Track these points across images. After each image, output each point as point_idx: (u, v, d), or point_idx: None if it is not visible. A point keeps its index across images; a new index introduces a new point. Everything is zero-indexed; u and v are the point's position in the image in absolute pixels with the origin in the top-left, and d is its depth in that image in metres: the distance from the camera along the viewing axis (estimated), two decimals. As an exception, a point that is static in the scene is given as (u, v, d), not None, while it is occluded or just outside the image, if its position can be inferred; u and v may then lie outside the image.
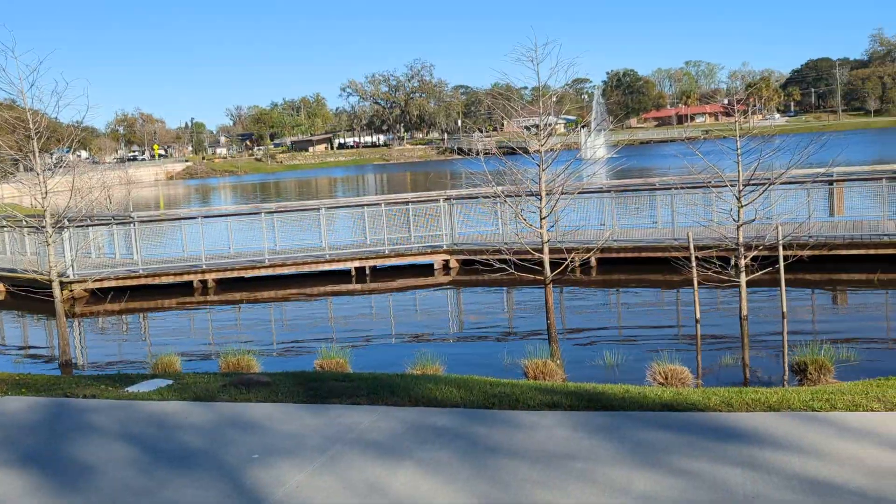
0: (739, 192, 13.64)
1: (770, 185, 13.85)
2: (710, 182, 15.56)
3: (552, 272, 12.14)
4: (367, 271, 21.92)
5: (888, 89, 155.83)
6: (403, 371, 10.95)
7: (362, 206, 23.80)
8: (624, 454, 5.96)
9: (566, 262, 12.15)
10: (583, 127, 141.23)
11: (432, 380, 8.35)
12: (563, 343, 13.97)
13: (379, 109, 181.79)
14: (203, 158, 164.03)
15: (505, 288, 19.04)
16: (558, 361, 11.05)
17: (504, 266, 11.89)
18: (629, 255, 20.05)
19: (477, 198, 20.36)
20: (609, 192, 21.46)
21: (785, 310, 13.88)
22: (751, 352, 12.58)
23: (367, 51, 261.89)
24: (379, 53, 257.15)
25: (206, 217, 24.32)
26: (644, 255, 19.76)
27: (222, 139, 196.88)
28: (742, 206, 13.63)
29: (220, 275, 21.61)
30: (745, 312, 13.64)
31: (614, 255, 20.23)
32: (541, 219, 11.30)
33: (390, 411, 7.30)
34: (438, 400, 7.49)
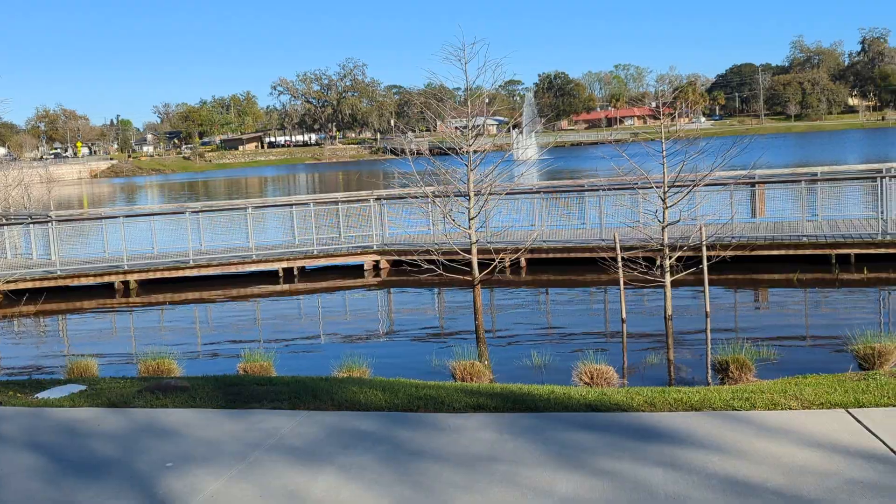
0: (664, 193, 13.84)
1: (694, 186, 14.08)
2: (636, 184, 15.75)
3: (481, 273, 12.12)
4: (296, 272, 21.60)
5: (807, 95, 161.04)
6: (329, 374, 10.78)
7: (290, 205, 23.46)
8: (548, 456, 5.92)
9: (494, 263, 12.14)
10: (514, 128, 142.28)
11: (357, 383, 8.20)
12: (493, 343, 13.96)
13: (311, 108, 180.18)
14: (129, 157, 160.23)
15: (436, 288, 18.96)
16: (486, 362, 11.01)
17: (432, 267, 11.80)
18: (558, 255, 20.20)
19: (406, 198, 20.22)
20: (539, 193, 21.57)
21: (708, 309, 14.12)
22: (676, 351, 12.77)
23: (299, 49, 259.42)
24: (311, 52, 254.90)
25: (128, 216, 23.68)
26: (573, 255, 19.92)
27: (149, 137, 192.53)
28: (667, 208, 13.84)
29: (143, 276, 21.03)
30: (669, 312, 13.84)
31: (543, 255, 20.36)
32: (469, 220, 11.24)
33: (313, 416, 7.13)
34: (362, 403, 7.35)
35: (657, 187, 14.08)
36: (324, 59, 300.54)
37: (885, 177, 18.13)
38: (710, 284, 17.40)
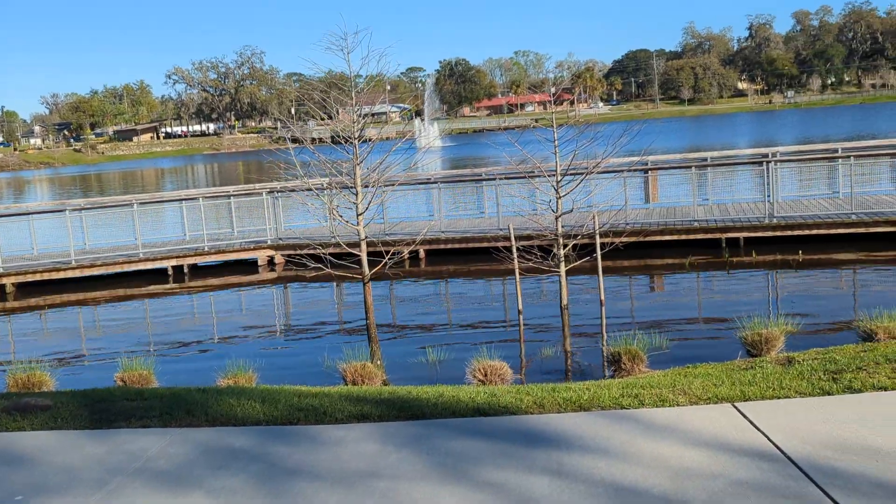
0: (557, 182, 13.76)
1: (586, 175, 14.05)
2: (531, 173, 15.67)
3: (377, 265, 11.75)
4: (186, 270, 20.76)
5: (699, 79, 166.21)
6: (213, 381, 10.26)
7: (180, 200, 22.54)
8: (431, 468, 5.64)
9: (388, 257, 11.80)
10: (416, 115, 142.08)
11: (236, 393, 7.74)
12: (389, 340, 13.65)
13: (208, 97, 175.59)
14: (15, 150, 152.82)
15: (334, 284, 18.50)
16: (378, 363, 10.69)
17: (320, 266, 11.38)
18: (457, 246, 20.02)
19: (299, 191, 19.64)
20: (436, 183, 21.32)
21: (603, 298, 14.15)
22: (573, 340, 12.73)
23: (195, 36, 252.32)
24: (207, 39, 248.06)
25: (3, 216, 22.28)
26: (471, 245, 19.77)
27: (37, 129, 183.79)
28: (560, 198, 13.77)
29: (21, 278, 19.84)
30: (565, 302, 13.80)
31: (442, 246, 20.15)
32: (357, 215, 10.84)
33: (185, 434, 6.66)
34: (239, 417, 6.91)
35: (550, 176, 14.00)
36: (220, 47, 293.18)
37: (770, 161, 18.59)
38: (605, 272, 17.52)
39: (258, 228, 21.66)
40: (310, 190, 11.59)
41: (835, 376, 7.05)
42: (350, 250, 11.07)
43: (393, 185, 13.09)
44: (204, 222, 21.20)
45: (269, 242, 21.08)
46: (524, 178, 17.01)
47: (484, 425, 6.46)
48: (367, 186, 10.83)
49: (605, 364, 10.25)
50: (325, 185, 11.65)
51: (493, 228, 19.74)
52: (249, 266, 20.95)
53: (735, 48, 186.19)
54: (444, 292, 17.85)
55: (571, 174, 14.35)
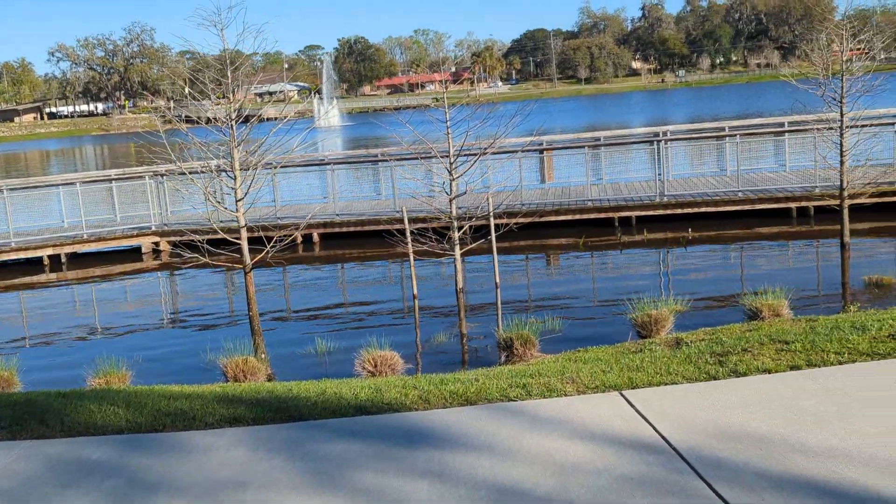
0: (451, 165, 13.45)
1: (479, 156, 13.79)
2: (425, 154, 15.33)
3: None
4: (64, 259, 19.62)
5: (595, 59, 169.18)
6: (84, 382, 9.59)
7: (56, 185, 21.28)
8: (305, 475, 5.26)
9: (271, 244, 11.23)
10: (315, 94, 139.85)
11: (99, 398, 7.15)
12: (277, 330, 13.16)
13: (95, 76, 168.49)
14: None
15: (223, 271, 17.77)
16: (263, 356, 10.21)
17: (196, 256, 10.76)
18: (352, 229, 19.55)
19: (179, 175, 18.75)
20: (330, 164, 20.76)
21: (498, 280, 13.98)
22: (468, 323, 12.48)
23: (79, 11, 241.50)
24: (93, 14, 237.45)
25: None
26: (367, 228, 19.33)
27: None
28: (454, 179, 13.47)
29: None
30: (461, 285, 13.54)
31: (337, 229, 19.65)
32: (237, 200, 10.27)
33: (36, 446, 6.07)
34: (99, 426, 6.36)
35: (443, 158, 13.69)
36: (108, 23, 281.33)
37: (661, 140, 18.79)
38: (502, 253, 17.39)
39: (142, 214, 20.64)
40: (183, 174, 10.92)
41: (721, 359, 6.99)
42: (228, 237, 10.48)
43: (275, 167, 12.52)
44: (82, 208, 20.07)
45: (153, 228, 20.12)
46: (417, 159, 16.66)
47: (366, 425, 6.11)
48: (247, 169, 10.26)
49: (498, 350, 10.04)
50: (200, 170, 11.01)
51: (389, 211, 19.35)
52: (133, 254, 19.97)
53: (629, 28, 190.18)
54: (338, 277, 17.39)
55: (465, 155, 14.09)
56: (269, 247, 10.18)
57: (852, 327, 7.57)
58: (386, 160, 20.21)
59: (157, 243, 20.09)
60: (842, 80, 13.72)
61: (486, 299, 13.94)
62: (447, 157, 13.57)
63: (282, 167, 20.41)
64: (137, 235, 20.08)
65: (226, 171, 10.27)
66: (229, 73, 10.03)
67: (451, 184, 13.48)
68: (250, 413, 6.45)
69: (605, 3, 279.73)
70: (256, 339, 10.24)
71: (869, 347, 6.82)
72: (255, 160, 10.15)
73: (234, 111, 9.86)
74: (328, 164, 20.96)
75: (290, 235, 10.78)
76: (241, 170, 10.06)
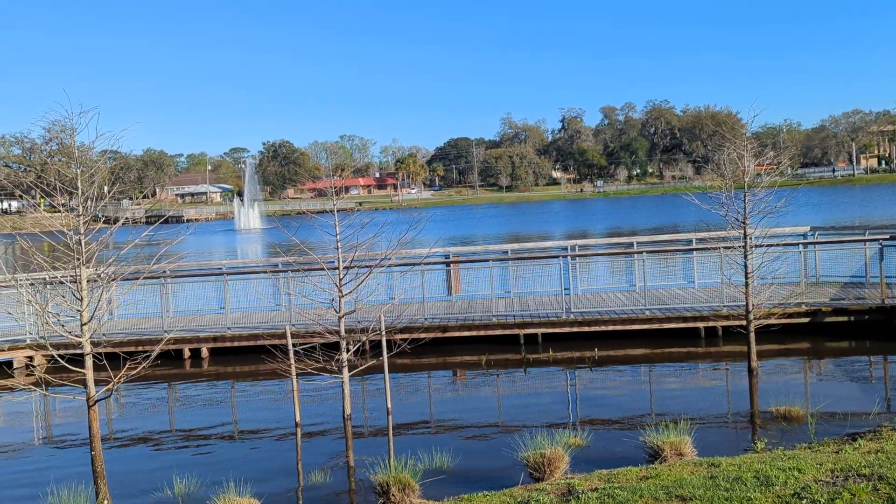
0: (339, 280, 12.55)
1: (371, 272, 12.95)
2: (315, 265, 14.43)
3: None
4: (-78, 374, 17.77)
5: (517, 167, 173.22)
6: None
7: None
8: None
9: (124, 370, 10.00)
10: (238, 196, 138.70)
11: None
12: (138, 459, 11.82)
13: (10, 173, 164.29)
14: None
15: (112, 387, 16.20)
16: (106, 503, 8.87)
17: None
18: (244, 343, 18.32)
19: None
20: (222, 274, 19.63)
21: (390, 406, 12.90)
22: (356, 459, 11.32)
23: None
24: (13, 111, 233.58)
25: None
26: (258, 343, 18.09)
27: None
28: (343, 296, 12.54)
29: None
30: (348, 412, 12.44)
31: (228, 343, 18.40)
32: (82, 324, 9.08)
33: None
34: None
35: (331, 271, 12.80)
36: (25, 122, 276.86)
37: (567, 256, 18.32)
38: (403, 371, 16.44)
39: (16, 325, 18.98)
40: (17, 284, 9.71)
41: (610, 522, 6.09)
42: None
43: (135, 280, 11.41)
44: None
45: (27, 341, 18.49)
46: (307, 270, 15.76)
47: None
48: (92, 281, 9.11)
49: (375, 495, 8.93)
50: (42, 282, 9.83)
51: (284, 324, 18.22)
52: (3, 370, 18.24)
53: (549, 139, 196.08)
54: (223, 397, 16.02)
55: (361, 267, 13.24)
56: (115, 379, 8.95)
57: (756, 480, 6.79)
58: (284, 270, 19.20)
59: (31, 357, 18.44)
60: (744, 200, 13.47)
61: (382, 422, 12.86)
62: (336, 269, 12.68)
63: (172, 277, 19.30)
64: (9, 349, 18.40)
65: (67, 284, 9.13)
66: (80, 178, 9.01)
67: (339, 300, 12.54)
68: None
69: (525, 115, 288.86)
70: (99, 482, 8.89)
71: (772, 510, 6.03)
72: (104, 275, 9.03)
73: (86, 214, 8.82)
74: (223, 273, 19.83)
75: (148, 354, 9.58)
76: (91, 285, 8.94)
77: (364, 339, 13.07)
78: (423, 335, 17.06)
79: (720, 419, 11.99)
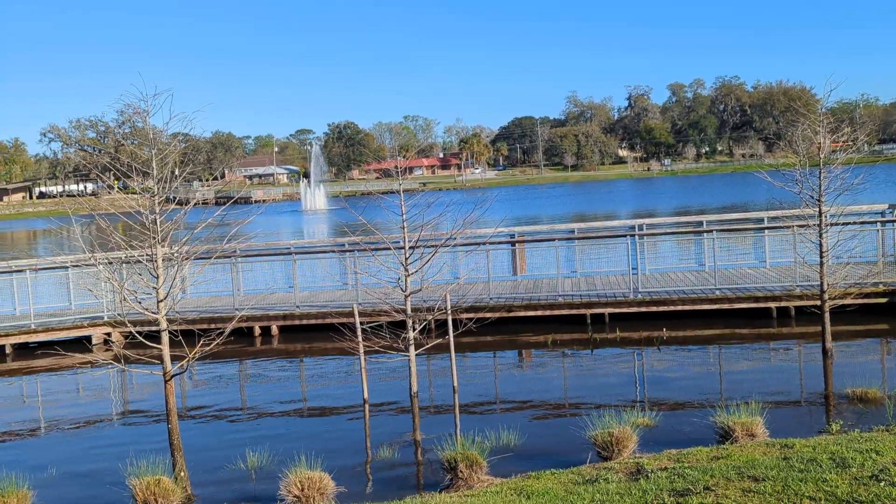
0: (406, 259, 12.65)
1: (437, 250, 13.02)
2: (381, 245, 14.59)
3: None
4: (8, 350, 18.57)
5: (582, 146, 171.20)
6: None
7: (10, 272, 20.35)
8: None
9: (198, 345, 10.28)
10: (304, 177, 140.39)
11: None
12: (210, 434, 12.16)
13: (86, 156, 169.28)
14: None
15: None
16: (182, 475, 9.15)
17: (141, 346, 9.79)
18: (312, 321, 18.61)
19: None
20: (291, 253, 19.95)
21: (456, 384, 13.02)
22: (422, 435, 11.45)
23: (72, 92, 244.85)
24: (88, 95, 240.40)
25: None
26: (327, 321, 18.38)
27: None
28: (409, 275, 12.64)
29: None
30: (415, 390, 12.59)
31: (297, 321, 18.72)
32: (157, 301, 9.37)
33: None
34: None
35: (396, 250, 12.92)
36: (100, 104, 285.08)
37: (635, 235, 18.09)
38: (469, 349, 16.48)
39: (96, 303, 19.66)
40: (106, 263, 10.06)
41: (680, 501, 6.04)
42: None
43: (207, 260, 11.68)
44: (31, 297, 19.15)
45: (105, 318, 19.13)
46: (373, 250, 15.91)
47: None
48: (168, 259, 9.40)
49: (443, 471, 9.01)
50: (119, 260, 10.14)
51: (352, 302, 18.46)
52: (83, 345, 18.91)
53: (615, 117, 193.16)
54: (293, 374, 16.34)
55: (426, 247, 13.32)
56: (191, 355, 9.22)
57: (831, 461, 6.65)
58: (350, 250, 19.43)
59: (108, 334, 19.08)
60: (819, 177, 13.08)
61: (449, 400, 12.96)
62: (401, 249, 12.78)
63: (242, 257, 19.70)
64: (89, 325, 19.07)
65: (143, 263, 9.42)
66: (154, 162, 9.27)
67: (406, 279, 12.65)
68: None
69: (591, 93, 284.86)
70: (176, 454, 9.19)
71: (848, 492, 5.89)
72: (180, 255, 9.29)
73: (161, 195, 9.07)
74: (292, 253, 20.16)
75: (221, 331, 9.83)
76: (166, 264, 9.22)
77: (430, 317, 13.19)
78: (488, 315, 17.08)
79: (793, 401, 11.76)
